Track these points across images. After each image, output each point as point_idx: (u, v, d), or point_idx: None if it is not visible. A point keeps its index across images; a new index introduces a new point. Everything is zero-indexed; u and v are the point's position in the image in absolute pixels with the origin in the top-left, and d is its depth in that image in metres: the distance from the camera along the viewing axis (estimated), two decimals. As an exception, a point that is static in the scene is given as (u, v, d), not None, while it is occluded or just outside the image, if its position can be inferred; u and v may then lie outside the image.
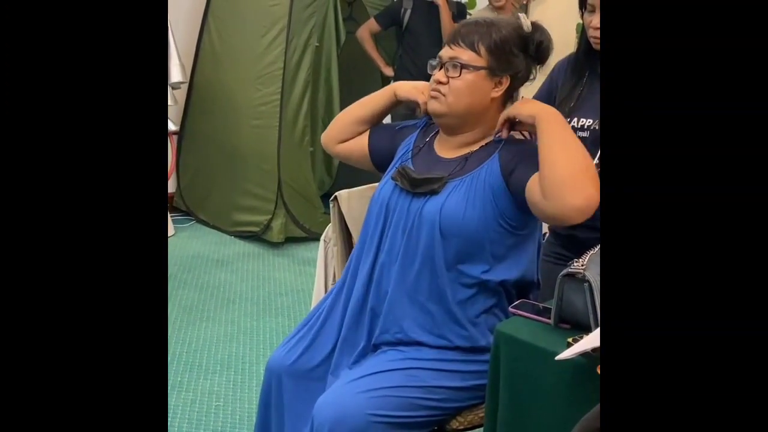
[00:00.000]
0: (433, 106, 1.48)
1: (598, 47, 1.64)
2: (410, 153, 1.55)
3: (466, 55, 1.44)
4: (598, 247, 1.36)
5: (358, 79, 4.29)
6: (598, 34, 1.61)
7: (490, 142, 1.48)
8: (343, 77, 3.92)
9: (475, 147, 1.48)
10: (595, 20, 1.60)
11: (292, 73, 3.66)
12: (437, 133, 1.55)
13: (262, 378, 2.37)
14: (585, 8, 1.63)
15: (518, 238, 1.43)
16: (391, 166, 1.57)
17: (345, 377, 1.43)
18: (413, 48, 3.68)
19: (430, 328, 1.42)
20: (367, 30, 3.88)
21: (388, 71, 3.92)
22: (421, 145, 1.56)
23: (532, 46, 1.46)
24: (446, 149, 1.51)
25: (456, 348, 1.42)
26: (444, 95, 1.45)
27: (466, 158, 1.47)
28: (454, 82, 1.44)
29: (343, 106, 3.89)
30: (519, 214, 1.41)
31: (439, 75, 1.46)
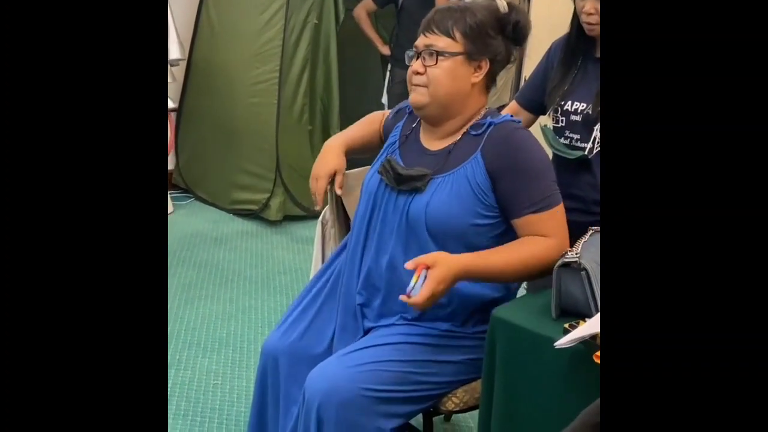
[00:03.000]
0: (414, 99, 1.46)
1: (591, 33, 1.63)
2: (397, 143, 1.55)
3: (441, 41, 1.42)
4: (590, 233, 1.36)
5: (357, 57, 4.26)
6: (590, 19, 1.60)
7: (470, 130, 1.46)
8: (341, 55, 3.89)
9: (458, 135, 1.47)
10: (588, 5, 1.59)
11: (291, 50, 3.63)
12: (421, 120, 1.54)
13: (260, 356, 2.40)
14: None
15: (508, 225, 1.43)
16: (379, 154, 1.57)
17: (337, 353, 1.44)
18: (408, 27, 3.64)
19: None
20: (363, 8, 3.84)
21: (385, 50, 3.89)
22: (407, 133, 1.55)
23: (509, 27, 1.45)
24: (431, 139, 1.50)
25: (445, 320, 1.44)
26: (423, 86, 1.43)
27: (449, 151, 1.45)
28: (432, 71, 1.42)
29: (342, 85, 3.91)
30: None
31: (416, 65, 1.45)
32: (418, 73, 1.44)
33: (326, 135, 3.97)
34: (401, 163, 1.48)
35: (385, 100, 3.95)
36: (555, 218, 1.39)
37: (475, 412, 1.96)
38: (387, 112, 1.71)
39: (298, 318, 1.58)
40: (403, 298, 1.28)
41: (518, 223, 1.40)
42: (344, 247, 1.62)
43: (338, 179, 1.63)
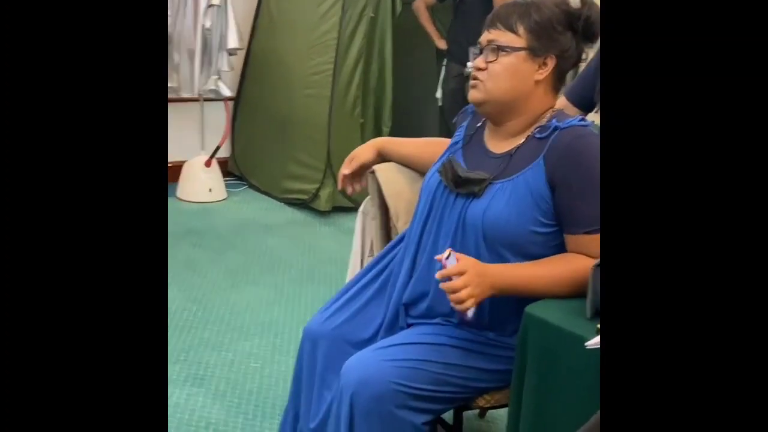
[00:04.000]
0: (473, 95, 1.43)
1: None
2: (461, 143, 1.52)
3: (504, 37, 1.38)
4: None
5: (412, 50, 4.26)
6: None
7: (535, 132, 1.40)
8: (396, 49, 3.89)
9: (522, 138, 1.41)
10: None
11: (346, 43, 3.66)
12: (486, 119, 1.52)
13: (300, 343, 2.44)
14: None
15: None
16: (442, 153, 1.55)
17: (376, 344, 1.45)
18: (466, 22, 3.62)
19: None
20: (422, 2, 3.85)
21: (442, 44, 3.88)
22: (471, 133, 1.52)
23: (580, 22, 1.38)
24: (494, 140, 1.46)
25: (490, 328, 1.41)
26: (482, 81, 1.40)
27: (511, 155, 1.40)
28: (492, 67, 1.38)
29: (395, 78, 3.92)
30: None
31: (477, 61, 1.41)
32: (479, 69, 1.41)
33: (377, 127, 3.99)
34: (463, 165, 1.45)
35: (439, 94, 3.94)
36: None
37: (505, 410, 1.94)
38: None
39: (344, 305, 1.58)
40: (439, 274, 1.26)
41: (569, 239, 1.35)
42: (401, 239, 1.62)
43: (352, 163, 1.69)
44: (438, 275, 1.28)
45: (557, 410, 1.23)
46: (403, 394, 1.35)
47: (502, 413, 2.03)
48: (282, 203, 3.92)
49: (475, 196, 1.39)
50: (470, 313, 1.27)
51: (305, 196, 3.79)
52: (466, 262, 1.27)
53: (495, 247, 1.37)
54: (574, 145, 1.33)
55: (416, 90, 4.26)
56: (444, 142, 1.66)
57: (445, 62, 3.84)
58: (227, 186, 4.06)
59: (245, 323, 2.57)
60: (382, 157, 1.73)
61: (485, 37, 1.42)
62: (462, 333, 1.43)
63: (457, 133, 1.57)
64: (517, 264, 1.34)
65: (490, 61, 1.39)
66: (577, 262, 1.30)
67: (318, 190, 3.73)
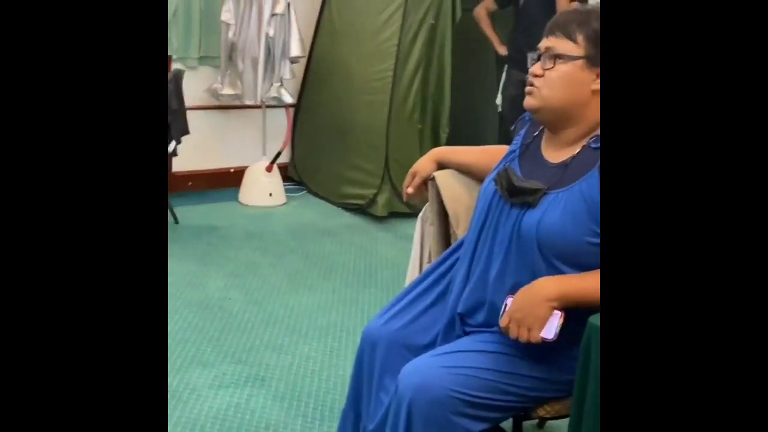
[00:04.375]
0: (528, 102, 1.43)
1: None
2: (518, 151, 1.52)
3: (562, 45, 1.37)
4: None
5: (471, 57, 4.25)
6: None
7: (591, 142, 1.39)
8: (456, 55, 3.89)
9: (578, 148, 1.40)
10: None
11: (407, 50, 3.68)
12: (544, 128, 1.51)
13: (357, 347, 2.46)
14: None
15: None
16: (499, 162, 1.55)
17: (434, 350, 1.45)
18: (527, 28, 3.60)
19: None
20: (483, 8, 3.84)
21: (502, 50, 3.86)
22: (528, 142, 1.51)
23: None
24: (551, 149, 1.46)
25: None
26: (539, 88, 1.40)
27: (566, 165, 1.39)
28: (549, 74, 1.38)
29: (454, 85, 3.92)
30: None
31: (534, 68, 1.41)
32: (535, 76, 1.41)
33: (435, 134, 4.00)
34: (518, 173, 1.45)
35: (499, 100, 3.92)
36: None
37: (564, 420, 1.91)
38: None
39: (403, 309, 1.59)
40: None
41: None
42: (460, 245, 1.63)
43: (415, 180, 1.73)
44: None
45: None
46: (460, 401, 1.35)
47: (561, 424, 2.01)
48: (339, 208, 3.97)
49: (529, 206, 1.38)
50: (551, 335, 1.30)
51: (363, 202, 3.83)
52: (510, 306, 1.31)
53: (550, 258, 1.36)
54: None
55: (475, 96, 4.25)
56: (502, 150, 1.66)
57: (505, 68, 3.82)
58: (286, 191, 4.13)
59: (304, 326, 2.61)
60: (441, 167, 1.75)
61: (543, 44, 1.42)
62: (521, 342, 1.42)
63: (514, 141, 1.57)
64: (579, 275, 1.32)
65: (547, 69, 1.39)
66: None
67: (375, 195, 3.76)
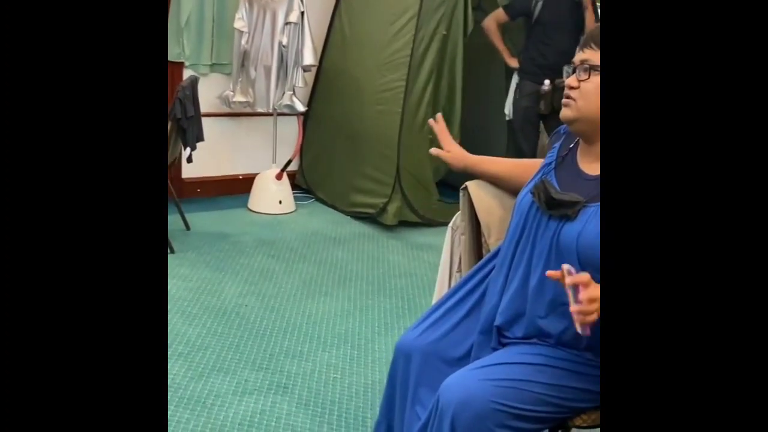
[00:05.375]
0: (564, 113, 1.45)
1: None
2: (554, 164, 1.53)
3: (597, 57, 1.39)
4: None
5: (481, 68, 4.29)
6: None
7: None
8: (466, 66, 3.93)
9: None
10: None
11: (419, 60, 3.72)
12: (579, 140, 1.53)
13: (376, 354, 2.48)
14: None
15: None
16: (535, 174, 1.57)
17: (474, 363, 1.47)
18: (542, 40, 3.63)
19: (564, 318, 1.43)
20: (494, 20, 3.86)
21: (513, 62, 3.89)
22: (564, 154, 1.54)
23: None
24: (587, 161, 1.48)
25: (588, 349, 1.42)
26: (574, 100, 1.42)
27: None
28: (584, 86, 1.41)
29: (465, 96, 3.95)
30: None
31: (570, 80, 1.44)
32: (571, 88, 1.43)
33: (447, 144, 4.03)
34: (556, 186, 1.47)
35: (507, 110, 3.95)
36: None
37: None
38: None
39: (440, 319, 1.61)
40: (573, 309, 1.25)
41: None
42: (494, 255, 1.64)
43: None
44: (570, 281, 1.26)
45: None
46: (503, 413, 1.36)
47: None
48: (349, 217, 3.99)
49: (568, 218, 1.40)
50: (589, 330, 1.28)
51: (373, 211, 3.85)
52: (594, 288, 1.25)
53: (589, 270, 1.37)
54: None
55: (484, 107, 4.29)
56: (535, 164, 1.68)
57: (517, 80, 3.85)
58: (295, 198, 4.15)
59: (322, 333, 2.62)
60: (467, 172, 1.76)
61: (579, 56, 1.44)
62: (560, 353, 1.43)
63: (549, 154, 1.59)
64: None
65: (583, 80, 1.41)
66: None
67: (386, 204, 3.78)
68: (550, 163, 1.56)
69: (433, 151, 1.81)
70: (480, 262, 1.71)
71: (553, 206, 1.44)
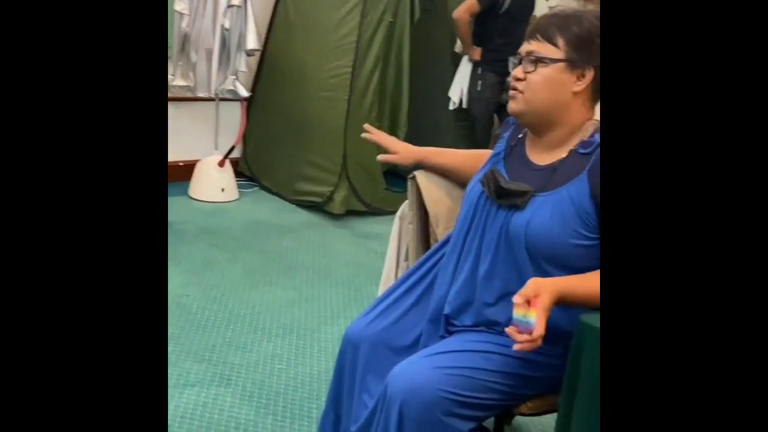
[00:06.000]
0: (511, 106, 1.44)
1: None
2: (503, 153, 1.53)
3: (543, 48, 1.39)
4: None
5: (428, 57, 4.28)
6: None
7: (579, 147, 1.41)
8: (414, 56, 3.91)
9: (564, 152, 1.42)
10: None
11: (365, 47, 3.68)
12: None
13: (322, 344, 2.45)
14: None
15: None
16: (484, 164, 1.56)
17: (423, 351, 1.46)
18: (506, 31, 3.64)
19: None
20: (467, 11, 3.74)
21: (476, 54, 3.86)
22: (513, 144, 1.53)
23: None
24: (536, 152, 1.47)
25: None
26: (521, 92, 1.41)
27: (554, 168, 1.41)
28: (531, 77, 1.40)
29: (412, 84, 3.93)
30: None
31: (516, 71, 1.43)
32: (517, 80, 1.42)
33: (393, 133, 4.01)
34: (505, 176, 1.46)
35: (451, 92, 3.94)
36: None
37: (538, 418, 1.95)
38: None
39: (389, 308, 1.59)
40: (512, 332, 1.24)
41: None
42: (442, 245, 1.63)
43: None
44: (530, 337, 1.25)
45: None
46: (451, 401, 1.36)
47: (530, 420, 2.05)
48: (294, 205, 3.93)
49: (517, 208, 1.40)
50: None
51: (319, 199, 3.80)
52: (540, 328, 1.24)
53: (537, 259, 1.38)
54: None
55: (432, 95, 4.28)
56: (484, 155, 1.67)
57: (479, 72, 3.83)
58: (238, 186, 4.06)
59: (267, 324, 2.57)
60: (419, 167, 1.75)
61: (525, 48, 1.43)
62: (508, 341, 1.44)
63: (498, 144, 1.58)
64: (577, 277, 1.35)
65: (529, 72, 1.41)
66: None
67: (332, 193, 3.74)
68: (499, 153, 1.55)
69: (381, 158, 1.78)
70: (429, 251, 1.70)
71: (502, 195, 1.43)
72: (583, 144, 1.41)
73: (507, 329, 1.27)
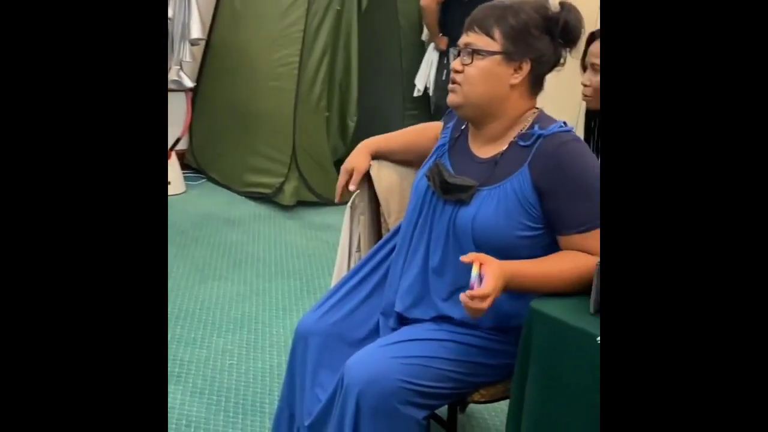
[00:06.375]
0: (450, 98, 1.43)
1: (590, 105, 1.58)
2: (447, 145, 1.52)
3: (480, 40, 1.38)
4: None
5: (377, 44, 4.25)
6: (588, 92, 1.55)
7: (518, 140, 1.40)
8: (362, 44, 3.88)
9: (505, 145, 1.42)
10: (584, 77, 1.56)
11: (313, 35, 3.63)
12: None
13: (274, 338, 2.42)
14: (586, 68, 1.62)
15: (554, 236, 1.40)
16: (429, 156, 1.55)
17: (380, 341, 1.44)
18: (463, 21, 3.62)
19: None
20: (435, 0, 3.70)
21: (443, 43, 3.83)
22: (456, 136, 1.52)
23: (557, 27, 1.38)
24: (478, 144, 1.47)
25: (490, 328, 1.43)
26: (459, 84, 1.40)
27: (496, 162, 1.41)
28: (468, 70, 1.39)
29: (361, 73, 3.90)
30: None
31: (455, 64, 1.42)
32: (456, 72, 1.41)
33: (343, 122, 3.98)
34: (449, 169, 1.46)
35: (417, 80, 3.93)
36: (598, 238, 1.33)
37: (492, 406, 1.97)
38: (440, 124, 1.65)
39: (341, 300, 1.57)
40: (464, 296, 1.23)
41: (562, 239, 1.37)
42: (393, 235, 1.62)
43: (354, 177, 1.65)
44: (465, 296, 1.24)
45: (561, 404, 1.25)
46: (409, 391, 1.36)
47: (483, 407, 2.07)
48: (243, 197, 3.86)
49: (463, 203, 1.40)
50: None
51: (269, 190, 3.75)
52: (493, 283, 1.24)
53: (486, 253, 1.37)
54: (558, 153, 1.35)
55: (381, 84, 4.26)
56: (433, 127, 1.66)
57: (445, 61, 3.80)
58: (185, 179, 3.97)
59: (216, 319, 2.52)
60: (375, 158, 1.73)
61: (463, 39, 1.42)
62: (463, 329, 1.44)
63: (443, 135, 1.58)
64: (525, 261, 1.35)
65: (466, 64, 1.40)
66: (579, 259, 1.33)
67: (282, 184, 3.69)
68: (443, 145, 1.54)
69: (352, 188, 1.68)
70: (380, 242, 1.69)
71: (447, 190, 1.43)
72: (522, 136, 1.41)
73: (462, 295, 1.25)
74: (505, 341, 1.43)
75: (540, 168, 1.35)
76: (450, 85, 1.44)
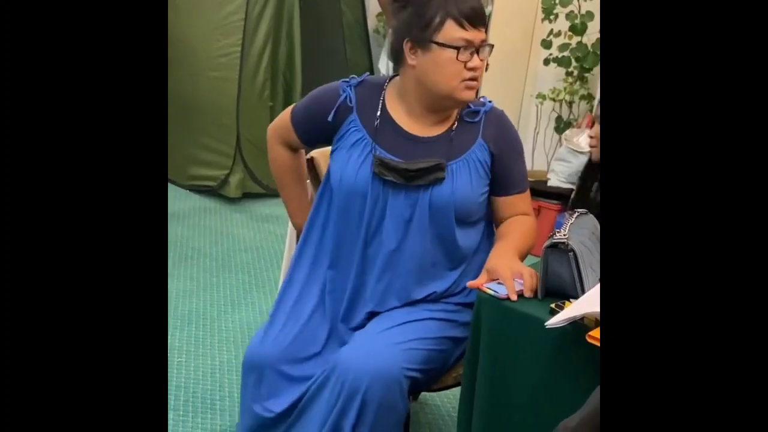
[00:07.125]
0: (471, 95, 1.43)
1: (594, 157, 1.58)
2: (368, 138, 1.46)
3: (485, 34, 1.43)
4: (576, 215, 1.39)
5: (319, 34, 4.20)
6: (593, 143, 1.56)
7: (465, 116, 1.49)
8: (305, 32, 3.83)
9: (450, 122, 1.49)
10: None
11: (254, 24, 3.56)
12: (383, 105, 1.47)
13: (223, 334, 2.38)
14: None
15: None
16: (347, 156, 1.47)
17: (371, 329, 1.42)
18: None
19: (434, 281, 1.49)
20: None
21: None
22: (375, 123, 1.47)
23: None
24: (423, 126, 1.47)
25: (456, 303, 1.49)
26: (477, 80, 1.42)
27: (450, 138, 1.47)
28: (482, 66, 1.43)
29: (304, 62, 3.85)
30: None
31: (478, 62, 1.39)
32: (476, 69, 1.40)
33: (288, 112, 3.92)
34: (394, 158, 1.44)
35: (381, 64, 3.93)
36: (529, 197, 1.55)
37: (443, 393, 1.98)
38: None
39: (286, 325, 1.49)
40: (528, 293, 1.29)
41: (503, 201, 1.51)
42: (308, 236, 1.56)
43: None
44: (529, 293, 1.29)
45: (512, 388, 1.27)
46: (409, 378, 1.37)
47: (435, 395, 2.08)
48: (188, 191, 3.77)
49: (439, 181, 1.44)
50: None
51: (214, 183, 3.67)
52: (526, 273, 1.32)
53: (461, 223, 1.47)
54: (502, 122, 1.52)
55: (325, 74, 4.21)
56: (325, 88, 1.57)
57: None
58: (127, 173, 3.86)
59: (163, 316, 2.46)
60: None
61: (478, 36, 1.39)
62: (433, 306, 1.47)
63: (348, 131, 1.48)
64: (506, 239, 1.46)
65: (483, 60, 1.42)
66: (525, 224, 1.50)
67: (227, 176, 3.63)
68: (359, 140, 1.46)
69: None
70: (296, 251, 1.59)
71: (416, 176, 1.43)
72: (469, 113, 1.50)
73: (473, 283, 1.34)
74: (469, 313, 1.45)
75: (492, 136, 1.49)
76: (471, 83, 1.41)
